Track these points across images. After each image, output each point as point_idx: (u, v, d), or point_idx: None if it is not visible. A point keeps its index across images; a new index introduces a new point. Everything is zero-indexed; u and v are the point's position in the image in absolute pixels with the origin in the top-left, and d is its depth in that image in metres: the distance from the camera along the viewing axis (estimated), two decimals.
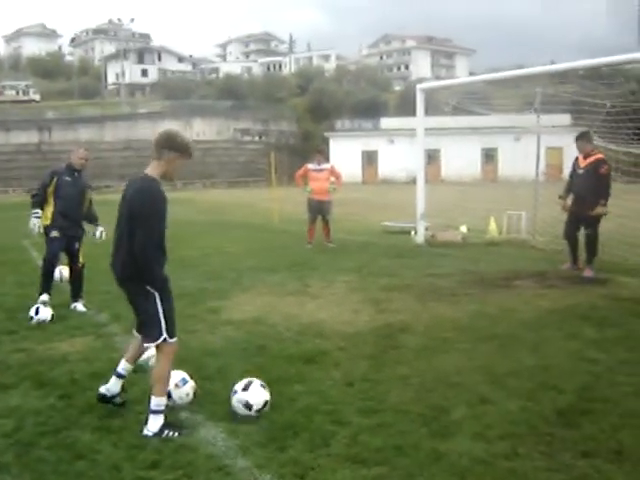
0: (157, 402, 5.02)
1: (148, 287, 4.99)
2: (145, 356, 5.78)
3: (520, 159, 18.52)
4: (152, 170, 5.01)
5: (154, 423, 4.97)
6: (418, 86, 16.74)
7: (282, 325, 8.14)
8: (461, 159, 58.40)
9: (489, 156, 61.87)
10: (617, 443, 4.69)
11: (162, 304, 5.04)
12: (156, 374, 5.10)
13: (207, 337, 7.66)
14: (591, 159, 11.39)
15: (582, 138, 11.59)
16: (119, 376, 5.45)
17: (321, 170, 15.67)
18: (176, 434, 4.93)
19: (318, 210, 15.59)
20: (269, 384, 5.87)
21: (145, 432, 4.96)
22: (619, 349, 6.95)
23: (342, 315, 8.64)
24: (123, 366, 5.46)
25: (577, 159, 11.76)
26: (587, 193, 11.23)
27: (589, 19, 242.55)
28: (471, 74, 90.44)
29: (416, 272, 11.73)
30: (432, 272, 11.70)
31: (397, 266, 12.47)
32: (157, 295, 5.02)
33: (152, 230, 4.89)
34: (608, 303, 9.10)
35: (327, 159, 16.63)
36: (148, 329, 5.10)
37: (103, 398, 5.40)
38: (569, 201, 11.73)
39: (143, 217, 4.85)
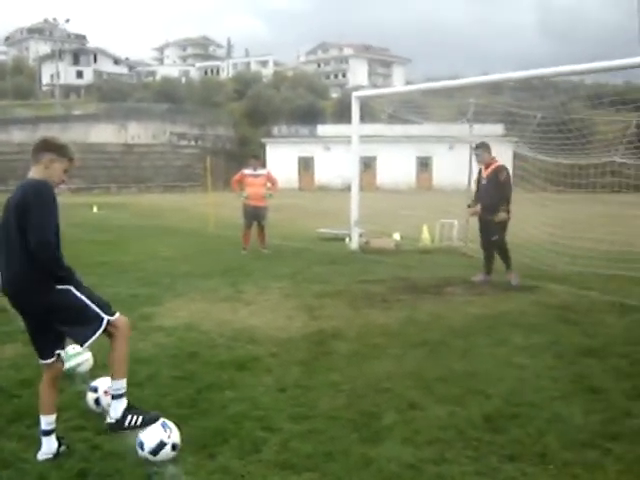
0: (118, 385, 4.83)
1: (60, 286, 4.65)
2: (74, 362, 5.68)
3: (454, 168, 18.81)
4: (33, 174, 4.78)
5: (117, 408, 4.82)
6: (353, 94, 16.89)
7: (214, 331, 8.10)
8: (396, 167, 59.07)
9: (424, 164, 62.67)
10: (542, 447, 4.80)
11: (81, 292, 4.71)
12: (115, 357, 4.82)
13: (138, 344, 7.53)
14: (491, 168, 11.65)
15: (481, 148, 11.89)
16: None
17: (257, 176, 15.67)
18: (140, 419, 4.81)
19: (253, 216, 15.57)
20: (200, 391, 5.87)
21: (108, 421, 4.83)
22: (546, 355, 7.12)
23: (275, 321, 8.65)
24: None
25: (481, 170, 12.01)
26: (491, 201, 11.44)
27: (521, 31, 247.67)
28: (407, 83, 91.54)
29: (349, 278, 11.81)
30: (365, 279, 11.80)
31: (331, 272, 12.54)
32: (72, 287, 4.68)
33: (48, 228, 4.54)
34: (536, 310, 9.31)
35: (263, 165, 16.62)
36: (84, 326, 4.70)
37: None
38: (478, 208, 11.89)
39: (37, 216, 4.50)
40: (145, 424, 4.78)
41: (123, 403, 4.84)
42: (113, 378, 4.86)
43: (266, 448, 4.81)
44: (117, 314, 4.83)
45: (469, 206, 12.39)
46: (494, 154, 11.87)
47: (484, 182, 11.76)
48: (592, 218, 18.35)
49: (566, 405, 5.62)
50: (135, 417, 4.82)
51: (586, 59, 12.50)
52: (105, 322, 4.72)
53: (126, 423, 4.80)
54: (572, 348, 7.35)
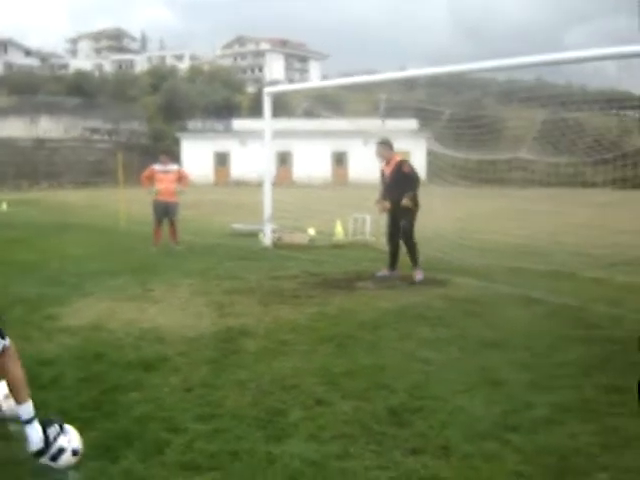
0: (27, 409, 4.46)
1: None
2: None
3: (369, 163, 18.94)
4: None
5: (36, 432, 4.43)
6: (265, 89, 16.87)
7: (122, 331, 7.93)
8: (312, 162, 59.21)
9: (339, 160, 63.03)
10: (444, 439, 4.87)
11: None
12: (14, 380, 4.48)
13: (43, 345, 7.34)
14: (393, 163, 11.82)
15: (382, 144, 12.03)
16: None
17: (167, 171, 15.50)
18: (56, 427, 4.49)
19: (164, 212, 15.40)
20: (105, 393, 5.75)
21: (34, 448, 4.41)
22: (451, 348, 7.24)
23: (184, 319, 8.55)
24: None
25: (382, 169, 12.15)
26: (398, 195, 11.51)
27: (435, 27, 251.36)
28: (324, 78, 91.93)
29: (261, 275, 11.78)
30: (277, 274, 11.80)
31: (242, 269, 12.48)
32: None
33: None
34: (443, 303, 9.47)
35: (178, 160, 16.45)
36: None
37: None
38: (386, 203, 12.00)
39: None
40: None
41: (37, 426, 4.47)
42: (20, 403, 4.49)
43: (170, 449, 4.73)
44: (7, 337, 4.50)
45: (378, 202, 12.46)
46: (409, 149, 12.05)
47: (388, 180, 11.89)
48: (500, 212, 18.79)
49: (469, 398, 5.73)
50: (53, 430, 4.48)
51: (499, 55, 12.82)
52: (1, 347, 4.42)
53: (50, 442, 4.45)
54: (476, 341, 7.51)
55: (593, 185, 18.23)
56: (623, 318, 8.84)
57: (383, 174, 12.11)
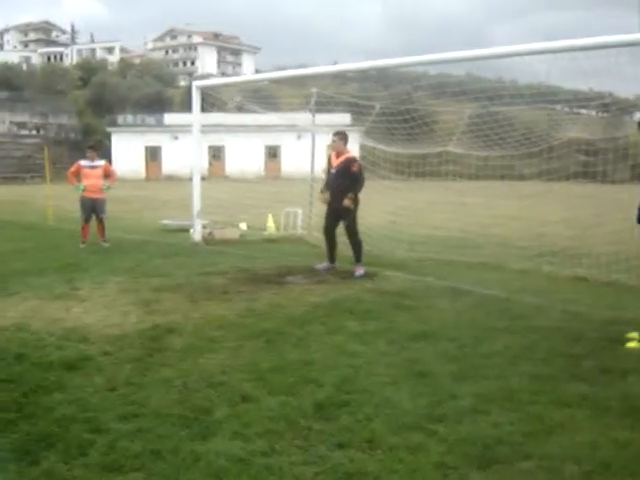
0: None
1: None
2: None
3: (301, 157, 18.93)
4: None
5: None
6: (194, 83, 16.71)
7: (45, 331, 7.71)
8: (245, 156, 58.96)
9: (272, 154, 62.96)
10: (370, 432, 4.88)
11: None
12: None
13: None
14: (343, 158, 11.84)
15: (337, 135, 12.05)
16: None
17: (94, 167, 15.22)
18: None
19: (91, 208, 15.12)
20: (26, 394, 5.61)
21: None
22: (380, 341, 7.28)
23: (110, 318, 8.37)
24: None
25: (330, 157, 12.17)
26: (341, 190, 11.60)
27: (368, 21, 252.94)
28: (257, 72, 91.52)
29: (190, 271, 11.64)
30: (206, 270, 11.67)
31: (171, 265, 12.31)
32: None
33: None
34: (373, 297, 9.51)
35: (101, 155, 16.12)
36: None
37: None
38: (327, 195, 12.05)
39: None
40: None
41: None
42: None
43: (93, 450, 4.64)
44: None
45: (322, 191, 12.45)
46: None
47: (333, 171, 11.89)
48: (431, 205, 18.97)
49: (396, 390, 5.76)
50: None
51: (430, 50, 12.92)
52: None
53: None
54: (404, 333, 7.56)
55: (522, 178, 18.53)
56: (547, 308, 9.04)
57: (330, 163, 12.12)
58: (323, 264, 11.98)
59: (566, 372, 6.34)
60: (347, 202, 11.52)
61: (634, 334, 7.50)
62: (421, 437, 4.83)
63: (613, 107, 15.12)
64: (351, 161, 11.80)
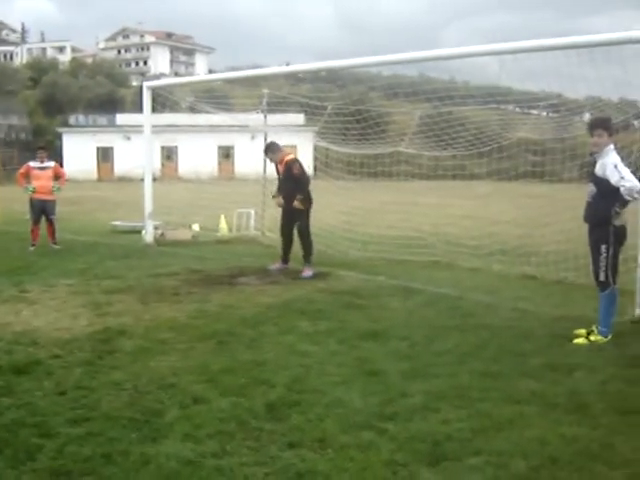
0: None
1: None
2: None
3: (255, 157, 18.87)
4: None
5: None
6: (145, 83, 16.58)
7: None
8: (198, 157, 58.60)
9: (226, 154, 62.72)
10: (321, 432, 4.90)
11: None
12: None
13: None
14: (284, 163, 12.00)
15: (267, 151, 12.38)
16: None
17: (44, 168, 15.01)
18: None
19: (41, 210, 14.91)
20: None
21: None
22: (331, 341, 7.31)
23: (60, 321, 8.25)
24: None
25: (276, 165, 12.34)
26: (289, 192, 11.82)
27: (321, 23, 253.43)
28: (210, 72, 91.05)
29: (141, 272, 11.54)
30: (158, 272, 11.59)
31: (123, 267, 12.20)
32: None
33: None
34: (325, 297, 9.54)
35: (51, 157, 15.92)
36: None
37: None
38: (280, 199, 12.14)
39: None
40: None
41: None
42: None
43: (41, 455, 4.58)
44: None
45: (274, 196, 12.56)
46: (296, 143, 12.19)
47: (281, 177, 12.09)
48: (384, 205, 19.04)
49: (347, 389, 5.79)
50: None
51: (382, 51, 13.00)
52: None
53: None
54: (356, 333, 7.61)
55: (473, 177, 18.70)
56: (497, 306, 9.17)
57: (277, 170, 12.31)
58: (276, 265, 12.00)
59: (515, 369, 6.44)
60: (296, 204, 11.69)
61: (581, 331, 7.65)
62: (371, 435, 4.86)
63: (562, 108, 15.32)
64: (291, 164, 11.93)
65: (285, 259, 12.08)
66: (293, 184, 11.76)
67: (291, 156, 12.14)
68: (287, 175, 11.88)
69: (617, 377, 6.25)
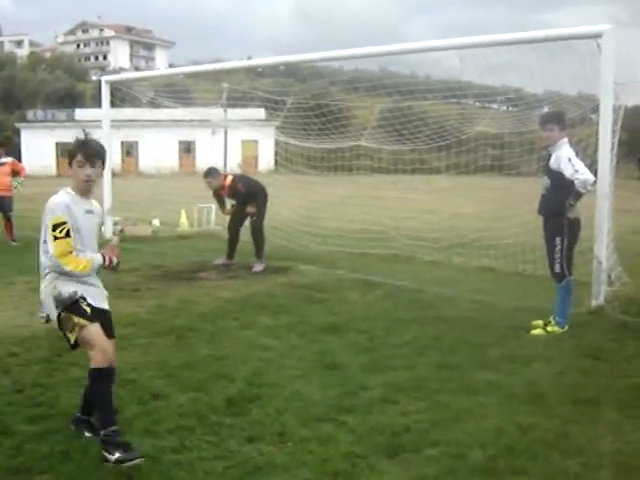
0: None
1: None
2: None
3: (216, 152, 18.85)
4: None
5: None
6: (103, 78, 16.46)
7: None
8: (159, 152, 58.13)
9: (187, 149, 62.32)
10: (281, 425, 4.93)
11: None
12: None
13: None
14: (227, 186, 11.96)
15: (207, 175, 12.13)
16: None
17: (1, 164, 14.83)
18: None
19: None
20: None
21: None
22: (291, 335, 7.34)
23: (18, 318, 8.18)
24: None
25: (217, 191, 12.29)
26: (240, 205, 11.94)
27: (281, 17, 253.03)
28: (171, 66, 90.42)
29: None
30: None
31: None
32: None
33: None
34: (285, 291, 9.56)
35: (18, 151, 15.78)
36: None
37: None
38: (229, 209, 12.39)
39: None
40: None
41: None
42: None
43: None
44: None
45: (225, 213, 12.66)
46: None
47: (227, 200, 12.38)
48: (346, 199, 19.09)
49: (306, 383, 5.83)
50: None
51: (344, 46, 13.05)
52: None
53: None
54: (316, 326, 7.65)
55: (435, 171, 18.80)
56: (455, 298, 9.26)
57: (220, 196, 12.33)
58: (221, 259, 11.96)
59: (473, 360, 6.52)
60: (250, 209, 11.72)
61: (539, 322, 7.76)
62: (331, 428, 4.90)
63: (521, 102, 15.48)
64: (234, 185, 11.92)
65: (231, 255, 12.03)
66: (244, 198, 11.77)
67: (229, 178, 12.09)
68: (235, 194, 11.89)
69: (573, 367, 6.36)
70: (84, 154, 4.65)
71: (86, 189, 4.74)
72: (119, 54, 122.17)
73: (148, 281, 10.39)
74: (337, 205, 18.38)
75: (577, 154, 7.76)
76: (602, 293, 8.61)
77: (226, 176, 12.24)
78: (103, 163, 4.74)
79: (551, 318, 7.70)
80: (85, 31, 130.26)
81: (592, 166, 8.09)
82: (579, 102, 12.21)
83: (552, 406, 5.38)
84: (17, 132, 61.56)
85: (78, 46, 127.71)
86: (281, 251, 12.48)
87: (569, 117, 10.08)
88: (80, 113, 62.48)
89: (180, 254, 13.21)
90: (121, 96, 17.33)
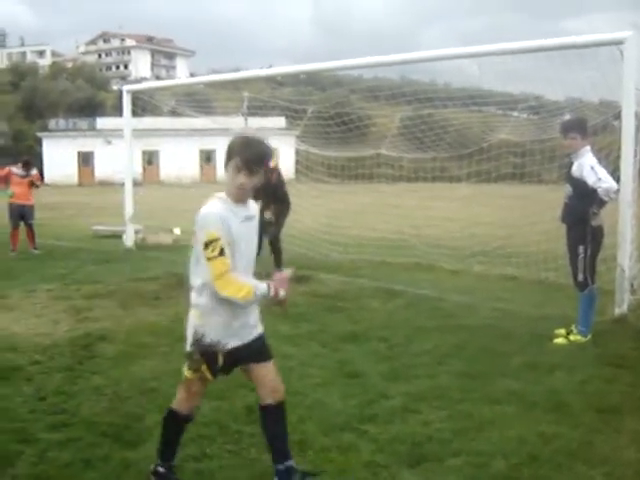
0: None
1: None
2: None
3: None
4: None
5: None
6: (124, 87, 16.61)
7: None
8: (180, 161, 58.46)
9: (208, 158, 62.53)
10: (301, 434, 4.90)
11: None
12: None
13: None
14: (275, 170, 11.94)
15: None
16: None
17: (26, 176, 15.03)
18: None
19: (20, 215, 14.88)
20: None
21: None
22: (312, 343, 7.33)
23: (40, 327, 8.22)
24: None
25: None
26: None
27: (300, 26, 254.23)
28: (192, 75, 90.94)
29: (122, 277, 11.51)
30: (138, 276, 11.57)
31: (104, 272, 12.18)
32: None
33: None
34: (306, 299, 9.54)
35: (40, 161, 15.98)
36: None
37: None
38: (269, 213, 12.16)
39: None
40: None
41: None
42: None
43: (21, 461, 4.57)
44: None
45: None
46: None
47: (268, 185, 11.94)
48: (367, 208, 19.08)
49: (327, 391, 5.81)
50: None
51: (361, 54, 13.05)
52: None
53: None
54: (336, 335, 7.63)
55: (456, 180, 18.77)
56: (477, 307, 9.21)
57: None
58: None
59: (495, 369, 6.48)
60: (267, 214, 11.62)
61: (561, 330, 7.70)
62: (352, 437, 4.88)
63: (542, 110, 15.42)
64: (280, 174, 12.16)
65: (278, 265, 11.99)
66: (273, 196, 11.72)
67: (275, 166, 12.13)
68: (272, 187, 11.71)
69: (596, 376, 6.30)
70: (243, 159, 3.89)
71: (241, 197, 4.02)
72: (140, 63, 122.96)
73: (169, 289, 10.39)
74: (358, 213, 18.37)
75: (599, 162, 7.70)
76: (625, 301, 8.52)
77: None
78: (265, 167, 4.06)
79: (573, 327, 7.64)
80: (106, 41, 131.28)
81: (615, 173, 8.03)
82: (601, 109, 12.14)
83: (575, 415, 5.34)
84: (39, 141, 62.15)
85: (100, 56, 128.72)
86: (302, 260, 12.45)
87: (591, 124, 10.02)
88: (101, 122, 63.01)
89: None
90: (142, 105, 17.42)
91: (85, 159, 62.91)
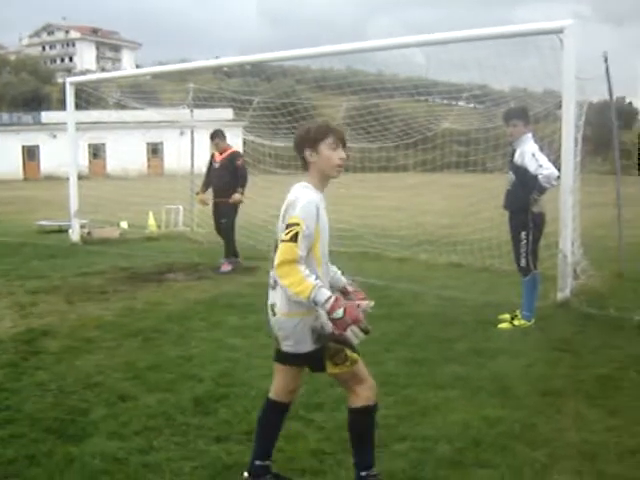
0: None
1: None
2: None
3: (185, 153, 18.74)
4: None
5: None
6: (67, 79, 16.31)
7: None
8: (127, 153, 57.66)
9: (155, 150, 61.95)
10: (248, 424, 4.88)
11: None
12: None
13: None
14: (226, 153, 11.88)
15: (216, 137, 12.02)
16: None
17: None
18: None
19: None
20: None
21: None
22: (259, 334, 7.27)
23: None
24: None
25: (213, 155, 12.15)
26: (224, 184, 11.63)
27: (245, 18, 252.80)
28: (138, 67, 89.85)
29: (67, 272, 11.34)
30: (84, 271, 11.43)
31: (48, 267, 11.97)
32: None
33: None
34: (253, 290, 9.49)
35: None
36: None
37: None
38: (208, 195, 12.10)
39: None
40: None
41: None
42: None
43: None
44: None
45: (197, 193, 12.46)
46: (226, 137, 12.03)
47: (217, 166, 11.88)
48: None
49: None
50: None
51: (309, 45, 13.00)
52: None
53: None
54: None
55: (402, 169, 18.87)
56: (423, 294, 9.31)
57: (213, 160, 12.07)
58: (226, 265, 11.72)
59: (440, 355, 6.56)
60: (237, 196, 11.56)
61: (505, 315, 7.84)
62: (299, 426, 4.90)
63: (486, 99, 15.58)
64: (235, 155, 11.93)
65: (234, 254, 11.92)
66: (230, 177, 11.58)
67: (236, 149, 12.10)
68: (226, 166, 11.68)
69: (540, 360, 6.43)
70: (337, 135, 3.94)
71: (337, 175, 4.05)
72: (85, 56, 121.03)
73: (116, 283, 10.31)
74: None
75: (542, 149, 7.82)
76: (568, 286, 8.68)
77: (231, 146, 12.23)
78: None
79: (518, 312, 7.77)
80: (50, 33, 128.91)
81: (557, 161, 8.17)
82: (544, 98, 12.32)
83: (519, 398, 5.44)
84: None
85: (44, 48, 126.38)
86: (250, 251, 12.43)
87: (533, 113, 10.16)
88: (46, 116, 61.90)
89: (148, 256, 13.12)
90: (86, 98, 17.16)
91: (30, 153, 61.75)
